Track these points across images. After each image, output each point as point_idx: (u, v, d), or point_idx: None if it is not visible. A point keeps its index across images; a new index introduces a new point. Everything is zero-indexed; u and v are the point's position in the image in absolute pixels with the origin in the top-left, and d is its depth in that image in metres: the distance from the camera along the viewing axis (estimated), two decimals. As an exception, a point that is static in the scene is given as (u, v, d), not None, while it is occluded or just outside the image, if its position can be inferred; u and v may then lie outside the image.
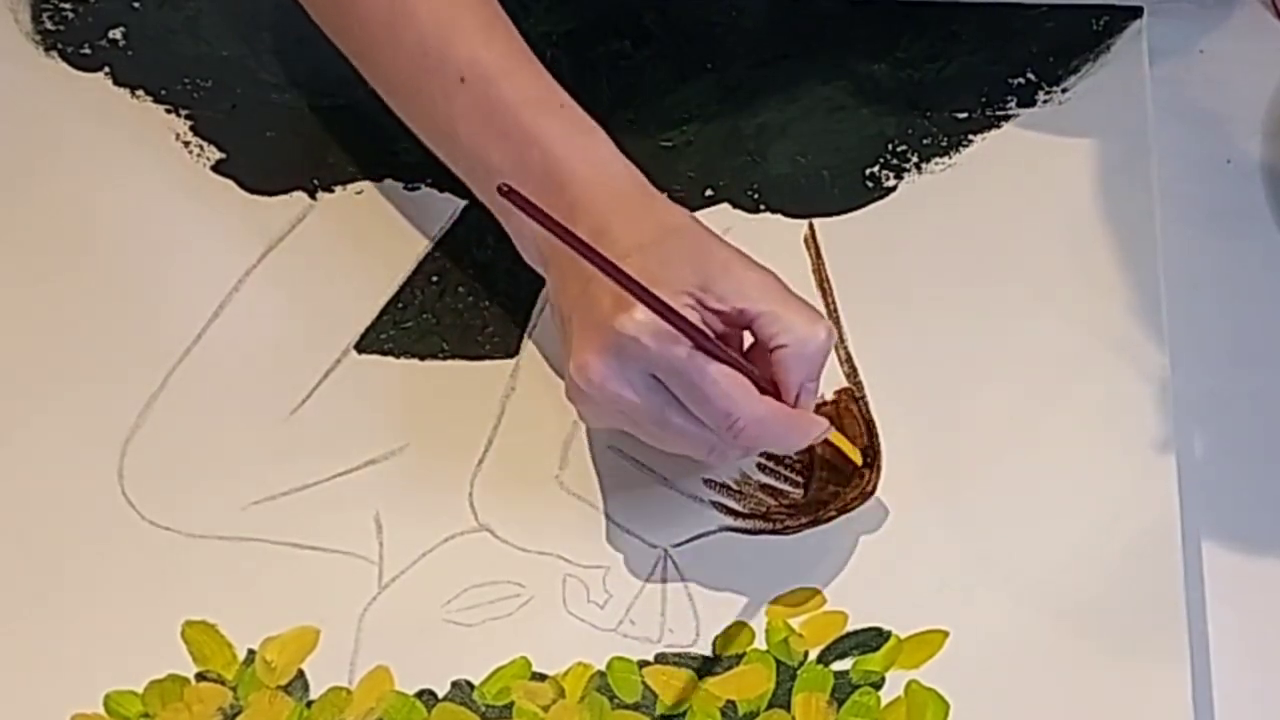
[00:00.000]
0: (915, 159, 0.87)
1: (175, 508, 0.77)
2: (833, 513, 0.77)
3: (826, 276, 0.83)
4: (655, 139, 0.87)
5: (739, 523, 0.77)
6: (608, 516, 0.77)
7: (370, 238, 0.85)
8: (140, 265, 0.84)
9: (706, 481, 0.78)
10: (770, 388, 0.72)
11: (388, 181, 0.87)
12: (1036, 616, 0.74)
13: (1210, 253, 0.84)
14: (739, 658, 0.74)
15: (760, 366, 0.72)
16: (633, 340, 0.69)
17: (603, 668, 0.74)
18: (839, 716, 0.72)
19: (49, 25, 0.92)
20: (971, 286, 0.83)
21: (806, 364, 0.72)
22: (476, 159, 0.77)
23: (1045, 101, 0.88)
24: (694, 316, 0.70)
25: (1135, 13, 0.91)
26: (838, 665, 0.73)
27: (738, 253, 0.73)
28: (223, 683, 0.73)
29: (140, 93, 0.90)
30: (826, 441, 0.75)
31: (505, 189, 0.66)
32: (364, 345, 0.82)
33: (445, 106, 0.77)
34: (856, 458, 0.77)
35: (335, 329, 0.82)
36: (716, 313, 0.71)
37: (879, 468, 0.78)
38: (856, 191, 0.86)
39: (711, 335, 0.70)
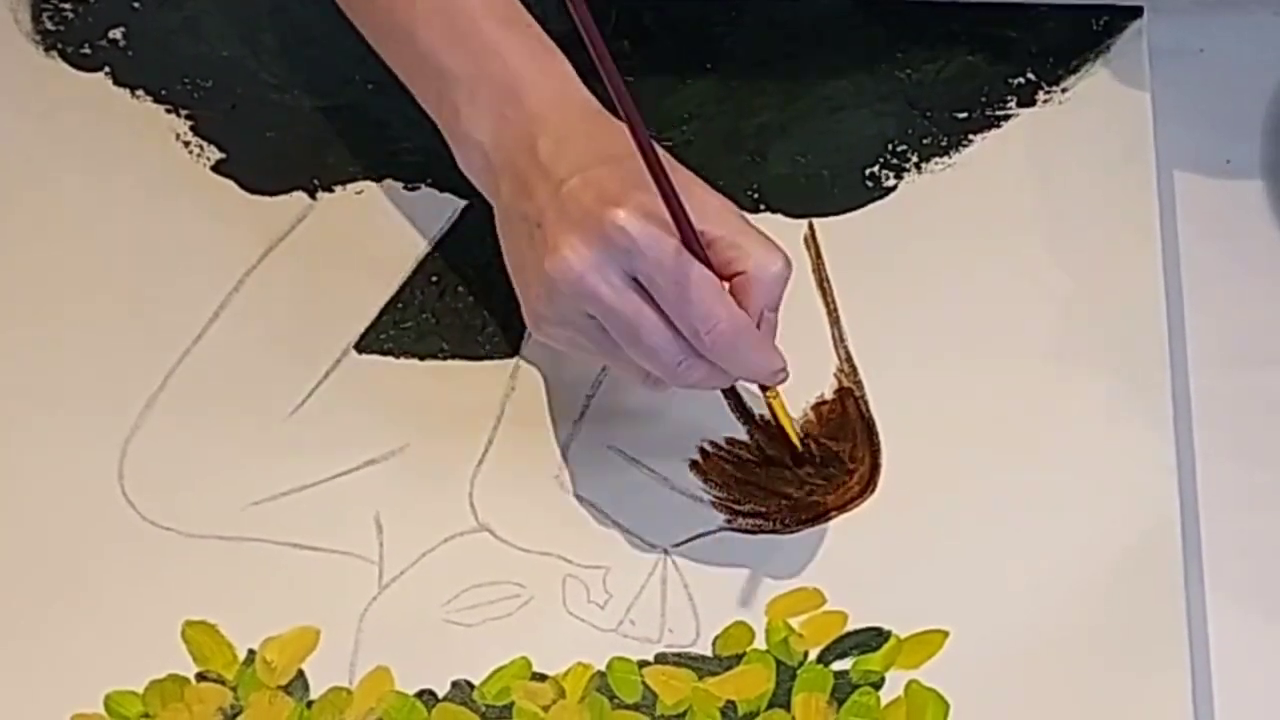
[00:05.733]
0: (915, 159, 0.87)
1: (175, 508, 0.77)
2: (833, 512, 0.77)
3: (826, 276, 0.83)
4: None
5: (739, 522, 0.77)
6: (608, 516, 0.77)
7: (370, 238, 0.85)
8: (140, 265, 0.84)
9: (706, 481, 0.78)
10: None
11: (388, 181, 0.87)
12: (1036, 617, 0.74)
13: (1210, 253, 0.84)
14: (739, 658, 0.74)
15: None
16: (621, 232, 0.68)
17: (603, 668, 0.74)
18: (839, 716, 0.72)
19: (49, 25, 0.92)
20: (971, 286, 0.83)
21: (766, 290, 0.71)
22: (432, 64, 0.76)
23: (1045, 101, 0.88)
24: None
25: (1135, 13, 0.91)
26: (838, 665, 0.73)
27: (697, 178, 0.72)
28: (223, 683, 0.73)
29: (140, 93, 0.90)
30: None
31: None
32: (364, 345, 0.82)
33: (406, 7, 0.76)
34: (795, 441, 0.77)
35: (335, 329, 0.82)
36: None
37: (879, 466, 0.78)
38: (856, 191, 0.86)
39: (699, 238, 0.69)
